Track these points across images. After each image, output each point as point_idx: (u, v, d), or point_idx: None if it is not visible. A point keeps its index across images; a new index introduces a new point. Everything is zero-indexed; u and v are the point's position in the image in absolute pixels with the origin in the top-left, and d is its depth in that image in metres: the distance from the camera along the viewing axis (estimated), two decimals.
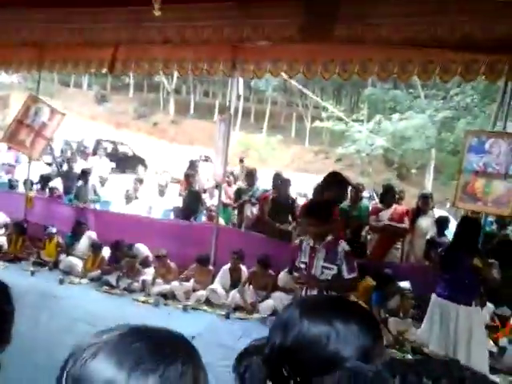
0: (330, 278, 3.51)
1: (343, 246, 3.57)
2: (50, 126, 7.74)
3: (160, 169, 22.84)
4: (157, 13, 4.36)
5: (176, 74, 7.66)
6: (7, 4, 5.38)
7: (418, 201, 6.87)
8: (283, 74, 6.94)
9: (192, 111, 35.33)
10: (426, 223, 6.74)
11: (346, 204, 7.04)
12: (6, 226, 7.93)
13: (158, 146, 28.48)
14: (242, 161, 9.13)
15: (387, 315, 5.62)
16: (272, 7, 5.14)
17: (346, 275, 3.53)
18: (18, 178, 9.58)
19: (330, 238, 3.61)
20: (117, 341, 0.70)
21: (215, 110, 34.34)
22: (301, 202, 7.64)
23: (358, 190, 7.04)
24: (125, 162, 22.85)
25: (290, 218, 6.94)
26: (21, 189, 9.07)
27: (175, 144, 27.51)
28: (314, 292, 3.52)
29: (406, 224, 6.55)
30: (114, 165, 19.74)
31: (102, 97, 35.98)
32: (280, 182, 7.19)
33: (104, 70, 7.14)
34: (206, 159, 18.84)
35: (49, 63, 7.24)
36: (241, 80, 8.19)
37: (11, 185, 9.03)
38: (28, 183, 8.45)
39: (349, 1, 4.98)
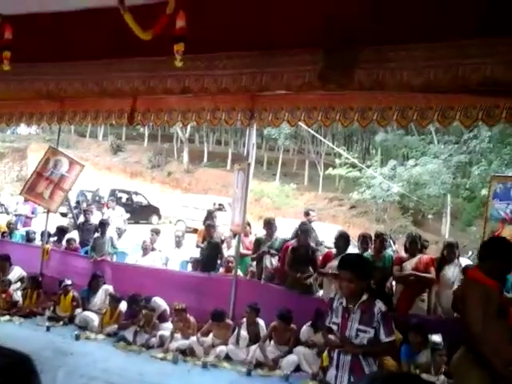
0: (365, 341, 3.22)
1: (380, 306, 3.27)
2: (69, 177, 7.78)
3: (174, 218, 22.95)
4: (178, 64, 4.38)
5: (190, 123, 7.69)
6: (23, 60, 5.48)
7: (443, 249, 6.63)
8: (300, 123, 6.99)
9: (205, 160, 35.73)
10: (452, 273, 6.48)
11: (368, 254, 6.85)
12: (21, 279, 7.82)
13: (172, 196, 28.64)
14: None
15: (417, 371, 5.31)
16: (291, 55, 5.15)
17: (384, 338, 3.23)
18: (35, 230, 9.55)
19: (365, 297, 3.29)
20: None
21: (228, 159, 34.71)
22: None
23: (382, 238, 6.84)
24: (139, 212, 22.96)
25: (310, 269, 6.74)
26: (38, 241, 9.03)
27: (189, 194, 27.62)
28: (348, 357, 3.25)
29: (431, 274, 6.31)
30: (128, 215, 19.91)
31: (117, 147, 36.60)
32: (300, 232, 7.03)
33: (123, 122, 7.19)
34: (220, 208, 18.81)
35: (70, 115, 7.33)
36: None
37: (29, 237, 8.99)
38: (45, 235, 8.41)
39: (369, 46, 4.98)
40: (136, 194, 24.67)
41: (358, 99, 5.65)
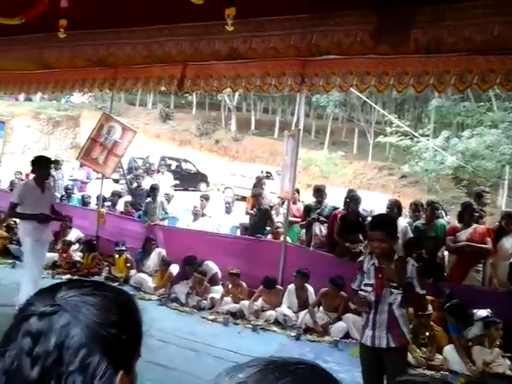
0: (399, 298, 3.29)
1: (412, 262, 3.38)
2: (122, 143, 7.96)
3: (222, 185, 23.23)
4: (229, 28, 4.33)
5: (239, 89, 7.63)
6: (77, 27, 5.55)
7: (501, 220, 6.39)
8: (352, 89, 6.80)
9: (253, 128, 35.66)
10: (510, 243, 6.25)
11: (420, 222, 6.71)
12: (79, 241, 8.20)
13: (220, 163, 28.89)
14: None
15: (470, 343, 5.21)
16: (343, 16, 4.97)
17: (420, 291, 3.34)
18: (90, 194, 9.92)
19: (397, 256, 3.40)
20: (260, 379, 0.62)
21: (275, 127, 34.47)
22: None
23: (433, 207, 6.66)
24: (188, 179, 23.35)
25: (360, 237, 6.67)
26: (93, 205, 9.38)
27: (237, 161, 27.76)
28: (384, 316, 3.29)
29: (488, 245, 6.11)
30: (177, 181, 20.29)
31: (166, 115, 37.05)
32: (348, 200, 6.95)
33: (173, 88, 7.23)
34: (268, 176, 18.79)
35: (121, 81, 7.44)
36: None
37: (84, 201, 9.35)
38: (100, 200, 8.72)
39: (426, 5, 4.73)
40: (185, 161, 25.04)
41: (414, 63, 5.41)
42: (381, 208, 11.88)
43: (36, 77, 8.15)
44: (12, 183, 10.34)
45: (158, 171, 12.28)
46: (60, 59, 6.78)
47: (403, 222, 6.58)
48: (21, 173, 11.32)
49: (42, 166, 5.59)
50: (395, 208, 6.44)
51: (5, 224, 8.43)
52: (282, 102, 37.11)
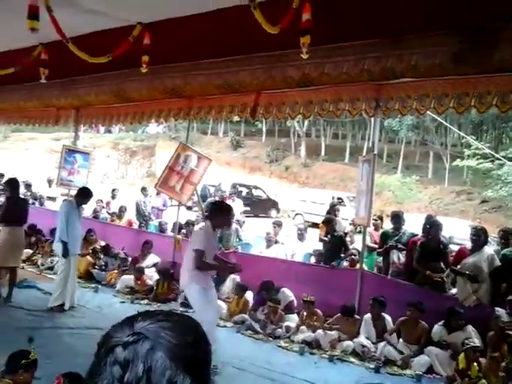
0: None
1: None
2: (198, 171, 8.19)
3: (292, 212, 23.19)
4: (304, 56, 4.37)
5: (311, 116, 7.62)
6: (155, 62, 5.84)
7: None
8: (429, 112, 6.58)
9: (323, 154, 35.54)
10: None
11: (508, 250, 6.29)
12: (155, 265, 8.45)
13: (290, 190, 28.92)
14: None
15: None
16: (421, 38, 4.83)
17: None
18: (167, 221, 10.24)
19: None
20: None
21: (346, 152, 34.11)
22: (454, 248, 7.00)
23: None
24: (258, 206, 23.56)
25: (442, 265, 6.35)
26: (169, 231, 9.66)
27: (307, 188, 27.66)
28: None
29: None
30: (247, 208, 20.54)
31: (237, 143, 37.89)
32: (429, 226, 6.66)
33: (245, 116, 7.36)
34: (340, 202, 18.53)
35: (195, 111, 7.68)
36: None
37: (161, 228, 9.66)
38: (176, 226, 8.97)
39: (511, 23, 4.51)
40: (255, 188, 25.33)
41: (497, 82, 5.16)
42: (461, 234, 11.33)
43: (116, 110, 8.66)
44: (95, 211, 10.91)
45: (229, 198, 12.49)
46: (140, 92, 7.14)
47: (489, 249, 6.20)
48: (102, 201, 11.95)
49: (222, 213, 5.11)
50: (482, 235, 6.08)
51: (91, 247, 8.87)
52: (352, 127, 36.81)
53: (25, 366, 3.25)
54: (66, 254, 6.65)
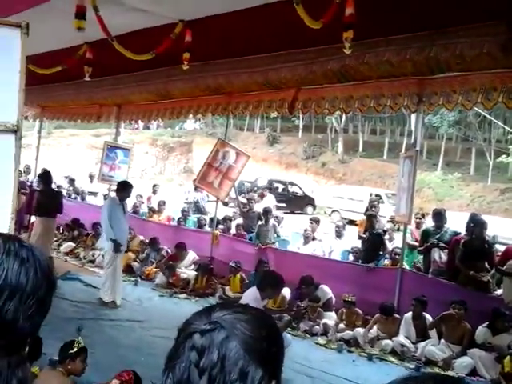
0: None
1: None
2: (236, 168, 8.24)
3: (329, 209, 23.01)
4: (347, 51, 4.32)
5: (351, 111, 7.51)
6: (197, 59, 5.88)
7: None
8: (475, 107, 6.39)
9: (360, 150, 35.06)
10: None
11: None
12: (195, 262, 8.54)
13: (327, 186, 28.70)
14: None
15: None
16: (467, 29, 4.67)
17: None
18: (206, 217, 10.33)
19: None
20: None
21: (384, 148, 33.54)
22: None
23: None
24: (294, 202, 23.50)
25: (486, 265, 6.16)
26: (207, 227, 9.75)
27: (344, 184, 27.38)
28: None
29: None
30: (283, 204, 20.49)
31: (273, 139, 37.85)
32: (473, 225, 6.47)
33: (284, 111, 7.32)
34: (378, 199, 18.27)
35: (233, 105, 7.70)
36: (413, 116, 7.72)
37: (200, 223, 9.76)
38: (214, 222, 9.05)
39: None
40: (291, 184, 25.26)
41: None
42: (505, 234, 10.99)
43: (156, 106, 8.81)
44: (134, 206, 11.12)
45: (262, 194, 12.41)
46: (182, 90, 7.23)
47: None
48: (142, 196, 12.18)
49: (276, 288, 4.90)
50: None
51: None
52: (390, 122, 36.15)
53: (74, 355, 3.37)
54: (117, 249, 6.79)
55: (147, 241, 9.21)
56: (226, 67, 6.45)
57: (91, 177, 13.36)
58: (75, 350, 3.36)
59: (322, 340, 6.05)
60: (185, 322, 0.86)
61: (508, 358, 4.95)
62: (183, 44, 5.28)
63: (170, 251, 8.92)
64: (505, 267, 5.88)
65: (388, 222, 9.97)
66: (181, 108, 8.44)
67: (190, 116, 9.12)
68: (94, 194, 13.11)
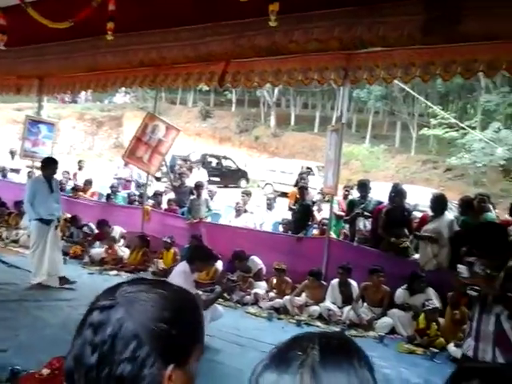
0: None
1: None
2: (166, 142, 8.10)
3: (262, 182, 23.30)
4: (273, 24, 4.33)
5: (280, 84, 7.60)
6: (125, 30, 5.67)
7: None
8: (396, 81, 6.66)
9: (292, 124, 35.54)
10: None
11: (467, 218, 6.51)
12: (123, 237, 8.41)
13: (260, 160, 28.93)
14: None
15: None
16: (389, 7, 4.84)
17: None
18: (135, 192, 10.15)
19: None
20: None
21: (315, 122, 34.19)
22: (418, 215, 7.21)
23: (481, 200, 6.45)
24: (228, 176, 23.55)
25: (406, 232, 6.56)
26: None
27: (276, 157, 27.74)
28: (490, 328, 2.98)
29: None
30: (217, 178, 20.49)
31: (206, 113, 37.43)
32: (394, 194, 6.83)
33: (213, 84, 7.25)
34: (309, 171, 18.71)
35: (161, 78, 7.52)
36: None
37: (130, 199, 9.57)
38: (145, 197, 8.91)
39: None
40: (225, 158, 25.24)
41: (462, 51, 5.26)
42: (425, 202, 11.66)
43: (80, 78, 8.40)
44: (60, 183, 10.67)
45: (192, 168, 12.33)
46: (108, 63, 6.93)
47: (450, 216, 6.41)
48: (68, 173, 11.71)
49: (206, 261, 5.15)
50: (439, 202, 6.29)
51: None
52: (321, 96, 36.77)
53: None
54: (43, 227, 6.50)
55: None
56: (152, 40, 6.26)
57: (12, 153, 12.60)
58: None
59: (252, 309, 6.21)
60: (95, 297, 0.84)
61: (422, 315, 5.37)
62: (106, 13, 5.05)
63: (94, 228, 8.69)
64: (420, 232, 6.29)
65: (318, 193, 10.28)
66: (106, 80, 8.10)
67: (117, 89, 8.81)
68: (17, 171, 12.42)
